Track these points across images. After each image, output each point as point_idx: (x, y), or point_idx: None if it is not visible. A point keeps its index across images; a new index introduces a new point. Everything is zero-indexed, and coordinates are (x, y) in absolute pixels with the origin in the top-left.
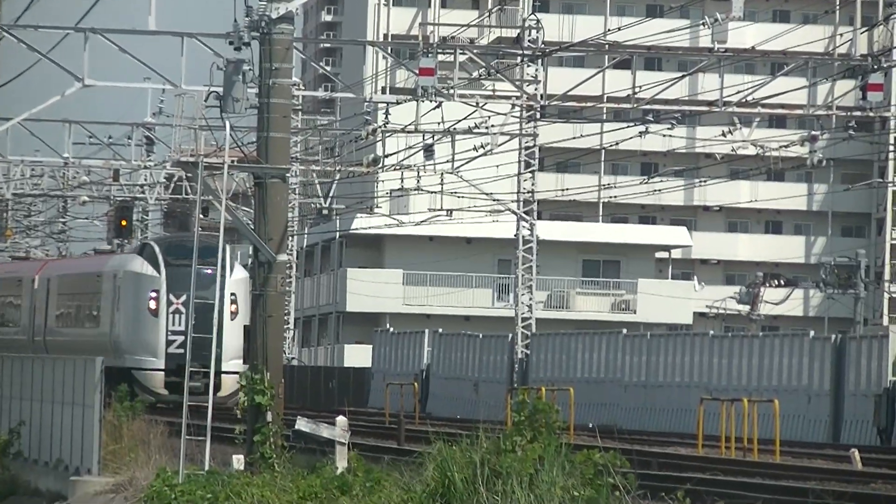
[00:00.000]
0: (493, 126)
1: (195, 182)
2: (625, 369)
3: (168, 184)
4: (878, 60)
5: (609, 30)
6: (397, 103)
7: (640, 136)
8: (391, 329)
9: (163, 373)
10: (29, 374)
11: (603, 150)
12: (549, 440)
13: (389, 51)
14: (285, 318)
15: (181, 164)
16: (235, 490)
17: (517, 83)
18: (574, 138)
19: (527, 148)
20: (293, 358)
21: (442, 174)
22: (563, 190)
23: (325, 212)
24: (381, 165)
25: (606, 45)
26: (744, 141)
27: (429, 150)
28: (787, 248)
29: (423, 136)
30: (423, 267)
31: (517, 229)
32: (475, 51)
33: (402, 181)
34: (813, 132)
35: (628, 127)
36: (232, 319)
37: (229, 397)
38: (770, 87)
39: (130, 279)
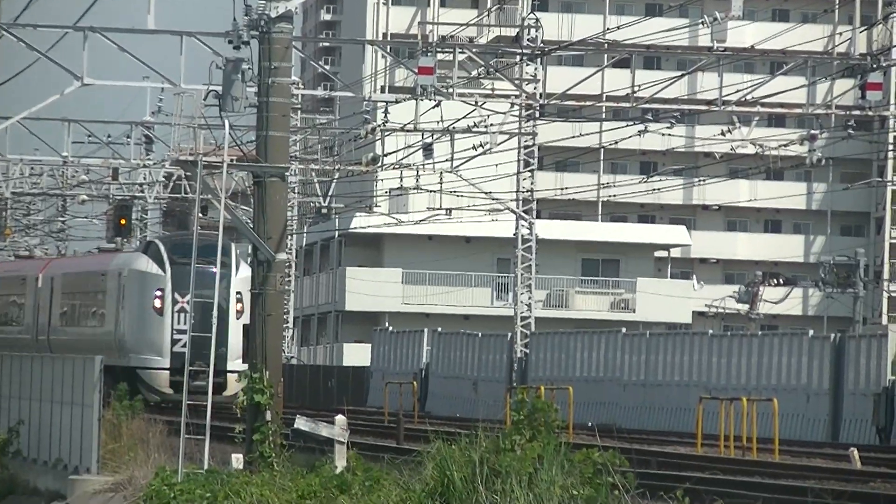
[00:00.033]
0: (492, 125)
1: (194, 181)
2: (624, 368)
3: (167, 182)
4: (877, 59)
5: (608, 29)
6: (396, 102)
7: (640, 135)
8: (390, 328)
9: (168, 372)
10: (28, 373)
11: (602, 149)
12: (549, 439)
13: (388, 50)
14: (284, 316)
15: (180, 162)
16: (234, 489)
17: (516, 82)
18: (573, 137)
19: (526, 147)
20: (292, 357)
21: (441, 173)
22: (562, 189)
23: (324, 211)
24: (380, 164)
25: (605, 44)
26: (743, 140)
27: (428, 149)
28: (787, 248)
29: (423, 135)
30: (423, 266)
31: (516, 228)
32: (474, 50)
33: (401, 180)
34: (812, 131)
35: (627, 126)
36: (237, 318)
37: (234, 397)
38: (769, 86)
39: (135, 278)
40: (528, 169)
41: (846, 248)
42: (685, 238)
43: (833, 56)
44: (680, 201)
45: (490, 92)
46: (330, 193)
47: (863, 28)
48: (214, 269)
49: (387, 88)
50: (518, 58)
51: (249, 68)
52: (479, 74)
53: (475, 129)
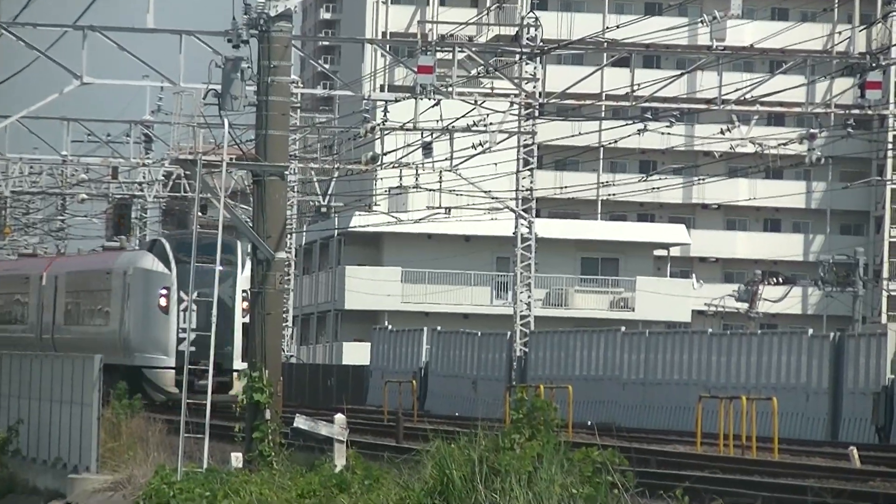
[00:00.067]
0: (491, 124)
1: (194, 180)
2: (623, 367)
3: (166, 181)
4: (876, 58)
5: (608, 28)
6: (396, 101)
7: (639, 134)
8: (390, 327)
9: (173, 371)
10: (27, 372)
11: (601, 148)
12: (548, 438)
13: (388, 49)
14: (284, 315)
15: (180, 161)
16: (234, 488)
17: (516, 81)
18: (572, 136)
19: (525, 146)
20: (292, 356)
21: (440, 172)
22: (561, 188)
23: (323, 209)
24: (379, 163)
25: (605, 43)
26: (742, 139)
27: (427, 148)
28: (786, 246)
29: (422, 133)
30: (422, 265)
31: (516, 227)
32: (474, 49)
33: (400, 179)
34: (811, 130)
35: (627, 125)
36: (244, 317)
37: None
38: (769, 84)
39: (140, 276)
40: (528, 168)
41: (845, 246)
42: (684, 237)
43: (832, 55)
44: (679, 200)
45: (489, 91)
46: (329, 192)
47: (862, 27)
48: (220, 268)
49: (386, 87)
50: (517, 57)
51: (249, 67)
52: (479, 73)
53: (474, 128)
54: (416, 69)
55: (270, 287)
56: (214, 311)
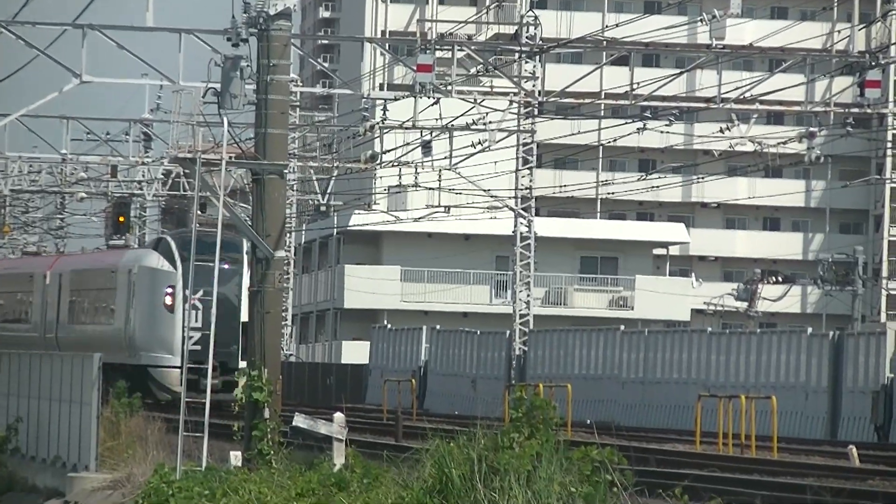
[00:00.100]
0: (490, 122)
1: (193, 178)
2: (622, 366)
3: (166, 180)
4: (875, 57)
5: (607, 26)
6: (395, 100)
7: (638, 133)
8: (389, 325)
9: (179, 370)
10: (26, 370)
11: (601, 147)
12: (547, 437)
13: (387, 47)
14: (283, 314)
15: (179, 160)
16: (233, 486)
17: (515, 80)
18: (572, 135)
19: (525, 144)
20: (291, 354)
21: (440, 171)
22: (560, 186)
23: (322, 208)
24: (378, 162)
25: (604, 42)
26: (742, 137)
27: (427, 147)
28: (785, 245)
29: (421, 132)
30: (421, 263)
31: (515, 226)
32: (473, 47)
33: (399, 178)
34: (811, 129)
35: (626, 123)
36: None
37: None
38: (768, 83)
39: (146, 274)
40: (527, 166)
41: (845, 245)
42: (684, 236)
43: (832, 53)
44: (679, 199)
45: (489, 89)
46: (328, 191)
47: (861, 26)
48: (225, 266)
49: (385, 86)
50: (517, 55)
51: (248, 66)
52: (478, 72)
53: (474, 127)
54: (415, 68)
55: (269, 286)
56: (213, 310)
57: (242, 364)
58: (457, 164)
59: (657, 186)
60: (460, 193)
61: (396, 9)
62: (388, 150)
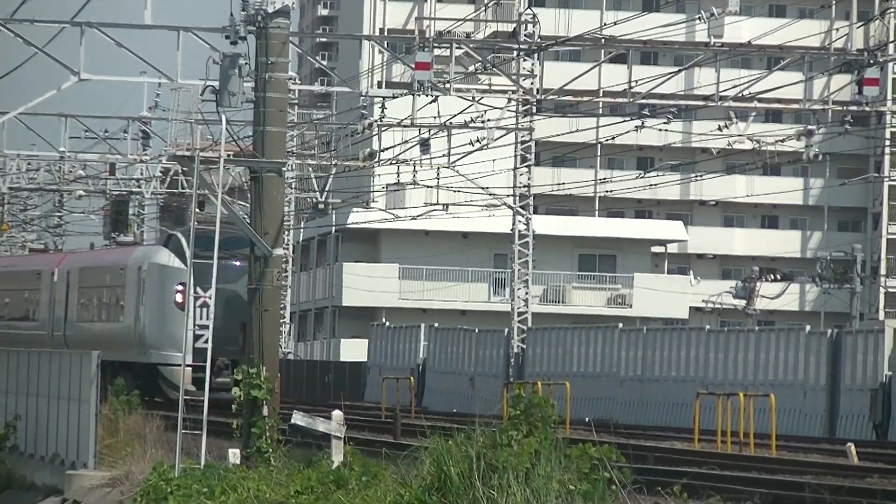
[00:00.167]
0: (489, 120)
1: (191, 176)
2: (621, 364)
3: (164, 178)
4: (874, 55)
5: (605, 24)
6: (393, 98)
7: (636, 131)
8: (387, 323)
9: (190, 368)
10: (25, 368)
11: (599, 145)
12: (545, 434)
13: (386, 45)
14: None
15: (177, 158)
16: (231, 484)
17: (513, 77)
18: (570, 133)
19: (523, 142)
20: (289, 352)
21: (438, 169)
22: (559, 184)
23: (321, 206)
24: (377, 160)
25: (603, 40)
26: (740, 135)
27: (425, 145)
28: (784, 243)
29: (420, 130)
30: (420, 261)
31: (513, 224)
32: (471, 45)
33: (398, 175)
34: (809, 127)
35: (624, 121)
36: None
37: None
38: (766, 81)
39: (156, 272)
40: (525, 164)
41: (843, 243)
42: (682, 233)
43: (830, 51)
44: (677, 197)
45: (487, 87)
46: (327, 189)
47: (860, 24)
48: (236, 263)
49: (384, 84)
50: (515, 53)
51: (246, 64)
52: (476, 70)
53: (472, 125)
54: (413, 66)
55: (268, 283)
56: (212, 308)
57: None
58: (455, 161)
59: (655, 184)
60: (458, 191)
61: (395, 6)
62: (387, 148)
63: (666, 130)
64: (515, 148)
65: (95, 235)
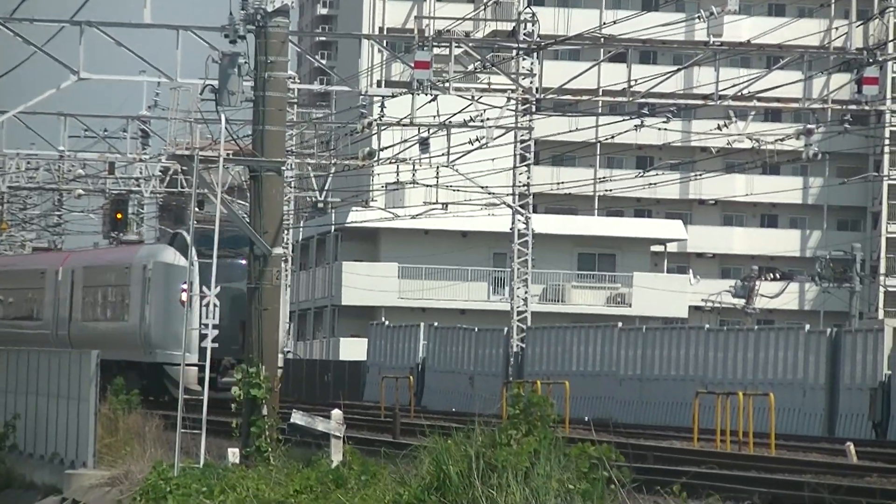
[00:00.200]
0: (488, 119)
1: (190, 175)
2: (620, 363)
3: (163, 177)
4: (873, 54)
5: (604, 23)
6: (393, 97)
7: (636, 130)
8: (386, 322)
9: (196, 368)
10: (24, 367)
11: (598, 144)
12: (545, 434)
13: (385, 44)
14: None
15: (176, 157)
16: (231, 483)
17: (512, 76)
18: (569, 132)
19: (522, 141)
20: (288, 351)
21: (437, 168)
22: (558, 183)
23: (320, 205)
24: (376, 159)
25: (602, 39)
26: (739, 134)
27: (424, 144)
28: (783, 242)
29: (419, 129)
30: (419, 260)
31: (512, 223)
32: (471, 44)
33: (397, 174)
34: (808, 126)
35: (624, 120)
36: None
37: None
38: (765, 80)
39: (161, 270)
40: (525, 163)
41: (842, 242)
42: (681, 232)
43: (829, 51)
44: (676, 196)
45: (486, 86)
46: (326, 188)
47: (859, 23)
48: (242, 261)
49: (383, 83)
50: (514, 52)
51: (246, 63)
52: (476, 69)
53: (471, 124)
54: (412, 65)
55: (267, 282)
56: (212, 307)
57: None
58: (454, 160)
59: (655, 183)
60: (458, 190)
61: (394, 6)
62: (386, 147)
63: (665, 129)
64: (515, 147)
65: (95, 234)
